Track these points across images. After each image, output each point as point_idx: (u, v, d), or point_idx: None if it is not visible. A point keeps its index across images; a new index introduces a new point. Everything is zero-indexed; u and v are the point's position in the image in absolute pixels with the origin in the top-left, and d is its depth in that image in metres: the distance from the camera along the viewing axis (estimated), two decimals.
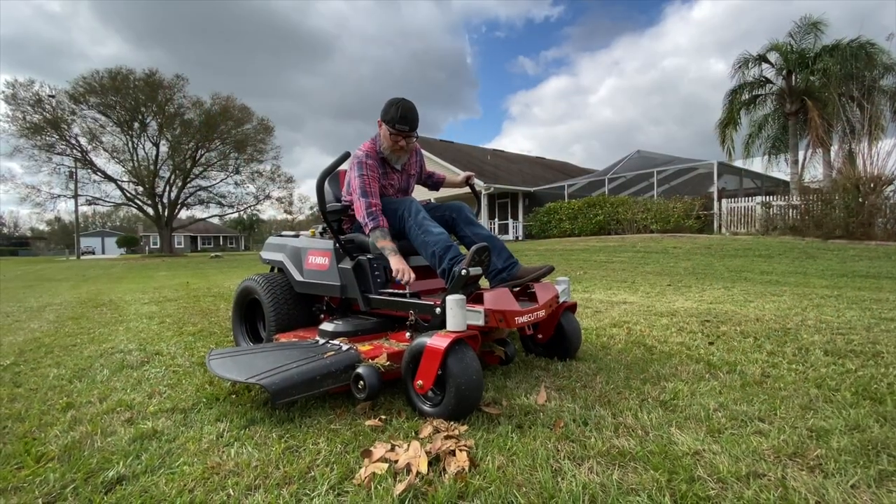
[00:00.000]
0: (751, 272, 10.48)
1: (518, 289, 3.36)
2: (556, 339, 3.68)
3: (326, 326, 3.50)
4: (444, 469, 2.16)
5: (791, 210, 18.58)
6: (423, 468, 2.15)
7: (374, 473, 2.14)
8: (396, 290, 3.39)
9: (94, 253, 73.66)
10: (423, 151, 27.40)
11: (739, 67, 25.03)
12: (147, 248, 72.31)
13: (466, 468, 2.15)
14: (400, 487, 2.02)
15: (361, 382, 2.77)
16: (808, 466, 2.13)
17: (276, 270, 4.39)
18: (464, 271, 2.97)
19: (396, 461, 2.22)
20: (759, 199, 20.37)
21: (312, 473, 2.18)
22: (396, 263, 3.29)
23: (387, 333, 3.51)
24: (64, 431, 2.69)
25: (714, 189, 23.17)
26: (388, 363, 2.90)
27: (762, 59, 24.60)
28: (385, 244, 3.39)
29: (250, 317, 4.35)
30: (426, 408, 2.71)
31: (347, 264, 3.55)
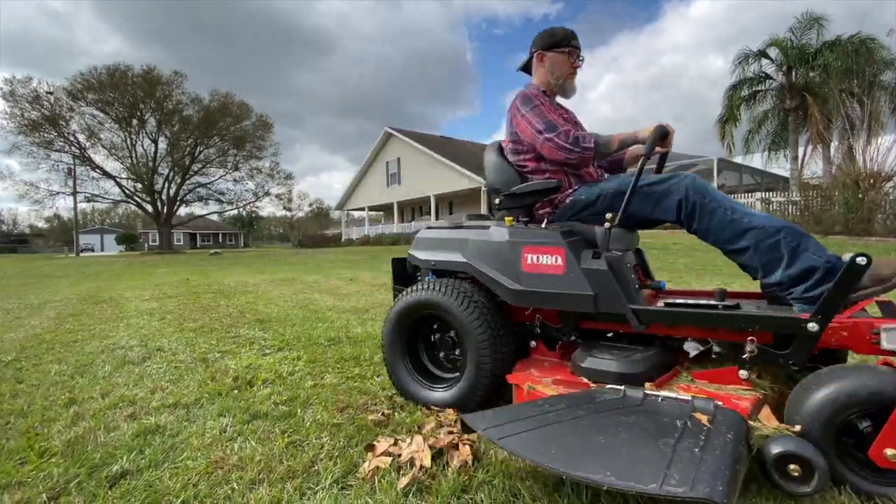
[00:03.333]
0: None
1: None
2: None
3: (592, 364, 2.45)
4: (448, 463, 2.17)
5: (791, 206, 18.59)
6: (427, 462, 2.16)
7: (377, 467, 2.14)
8: (699, 300, 2.47)
9: (93, 250, 73.64)
10: (423, 147, 26.66)
11: (739, 63, 24.99)
12: (146, 246, 72.32)
13: (470, 462, 2.15)
14: (404, 481, 2.03)
15: (797, 466, 1.82)
16: None
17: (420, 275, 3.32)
18: (861, 259, 2.02)
19: (400, 455, 2.22)
20: (758, 195, 20.37)
21: (316, 468, 2.19)
22: (654, 130, 2.53)
23: (677, 367, 2.49)
24: (67, 427, 2.69)
25: (714, 185, 23.20)
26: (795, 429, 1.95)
27: (762, 54, 24.57)
28: (617, 137, 2.67)
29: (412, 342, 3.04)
30: None
31: (599, 265, 2.47)
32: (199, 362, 3.87)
